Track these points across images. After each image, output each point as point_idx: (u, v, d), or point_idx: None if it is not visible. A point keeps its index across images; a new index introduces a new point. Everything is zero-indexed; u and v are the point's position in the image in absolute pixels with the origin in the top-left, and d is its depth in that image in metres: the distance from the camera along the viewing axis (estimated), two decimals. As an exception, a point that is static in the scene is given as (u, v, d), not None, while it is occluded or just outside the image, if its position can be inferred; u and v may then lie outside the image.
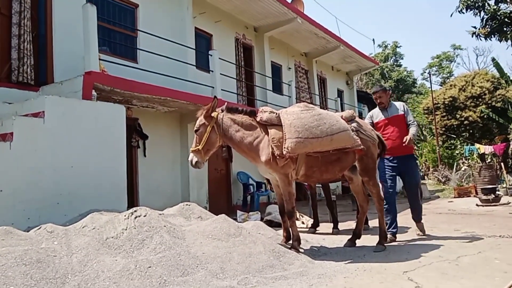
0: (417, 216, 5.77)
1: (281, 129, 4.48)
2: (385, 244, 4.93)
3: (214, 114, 4.57)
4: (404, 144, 5.39)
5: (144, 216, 4.08)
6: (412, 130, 5.57)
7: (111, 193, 5.79)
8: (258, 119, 4.63)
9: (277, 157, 4.39)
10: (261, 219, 7.23)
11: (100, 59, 7.10)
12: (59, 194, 5.18)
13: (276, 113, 4.65)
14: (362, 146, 4.73)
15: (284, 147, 4.37)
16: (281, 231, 5.17)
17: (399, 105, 5.82)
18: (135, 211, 4.15)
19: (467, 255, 4.33)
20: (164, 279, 3.31)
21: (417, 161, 5.67)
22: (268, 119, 4.58)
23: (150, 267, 3.40)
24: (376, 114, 5.88)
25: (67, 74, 7.06)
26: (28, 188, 4.90)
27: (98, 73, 6.82)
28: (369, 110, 6.13)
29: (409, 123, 5.66)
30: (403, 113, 5.71)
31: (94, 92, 6.75)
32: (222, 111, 4.65)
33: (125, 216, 4.08)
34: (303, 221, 7.19)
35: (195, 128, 4.59)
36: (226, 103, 4.83)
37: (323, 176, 4.88)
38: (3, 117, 5.48)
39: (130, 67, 8.36)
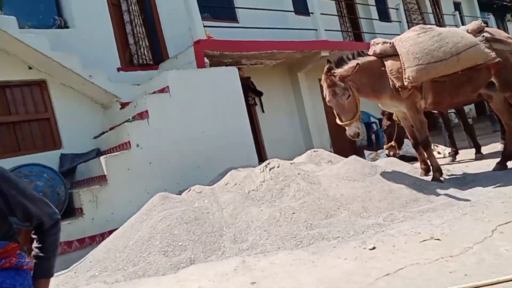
0: None
1: (398, 58, 4.16)
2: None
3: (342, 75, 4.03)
4: None
5: (278, 167, 4.22)
6: None
7: (241, 151, 6.09)
8: (371, 53, 4.34)
9: (399, 89, 4.11)
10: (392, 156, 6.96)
11: (204, 26, 7.32)
12: (197, 158, 5.61)
13: (390, 43, 4.31)
14: (498, 59, 4.15)
15: (405, 78, 4.06)
16: (417, 165, 4.94)
17: None
18: (268, 163, 4.31)
19: None
20: (310, 223, 3.42)
21: None
22: (382, 50, 4.27)
23: (294, 213, 3.54)
24: None
25: (179, 48, 7.44)
26: (171, 157, 5.40)
27: (206, 40, 7.05)
28: (495, 20, 5.09)
29: None
30: None
31: (206, 59, 7.03)
32: (329, 70, 4.11)
33: (260, 169, 4.26)
34: (439, 151, 6.73)
35: (339, 95, 4.02)
36: (327, 65, 4.17)
37: (454, 100, 4.46)
38: (136, 98, 6.05)
39: (233, 27, 8.45)
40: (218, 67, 7.10)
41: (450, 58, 3.99)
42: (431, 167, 4.42)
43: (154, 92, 6.04)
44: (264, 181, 4.10)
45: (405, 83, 4.04)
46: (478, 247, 2.53)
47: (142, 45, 7.68)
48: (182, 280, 2.86)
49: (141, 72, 7.43)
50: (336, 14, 11.38)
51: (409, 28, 4.89)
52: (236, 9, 9.17)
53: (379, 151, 7.29)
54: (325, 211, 3.60)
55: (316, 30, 9.42)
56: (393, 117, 6.23)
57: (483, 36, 4.26)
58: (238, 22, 9.09)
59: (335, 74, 4.01)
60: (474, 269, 2.24)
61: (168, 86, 5.82)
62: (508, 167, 4.58)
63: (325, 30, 9.45)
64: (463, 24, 14.23)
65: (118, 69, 7.22)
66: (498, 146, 6.12)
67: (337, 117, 4.20)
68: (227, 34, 8.06)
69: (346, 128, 4.09)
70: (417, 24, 12.45)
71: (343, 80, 4.01)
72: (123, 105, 6.30)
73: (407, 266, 2.45)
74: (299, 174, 4.14)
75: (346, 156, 4.70)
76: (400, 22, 11.94)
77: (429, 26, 4.45)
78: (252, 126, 7.20)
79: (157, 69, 7.50)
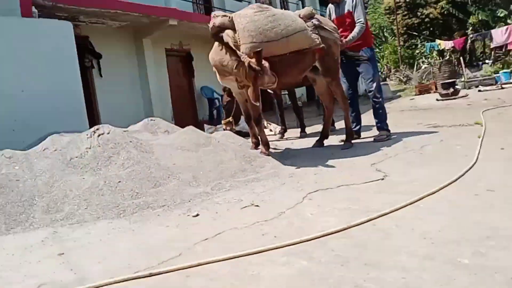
0: (377, 123, 5.31)
1: (235, 33, 4.25)
2: (352, 142, 5.05)
3: None
4: (344, 47, 5.05)
5: (108, 133, 3.92)
6: (355, 30, 5.09)
7: (69, 115, 5.49)
8: (210, 25, 4.33)
9: None
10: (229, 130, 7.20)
11: (35, -30, 6.35)
12: (13, 120, 4.87)
13: (229, 17, 4.36)
14: (322, 45, 4.59)
15: (240, 54, 4.19)
16: (250, 140, 5.18)
17: None
18: (97, 129, 3.97)
19: (430, 144, 4.50)
20: (136, 192, 3.27)
21: (370, 57, 5.40)
22: (220, 23, 4.29)
23: (120, 181, 3.34)
24: (332, 11, 5.47)
25: (-1, -10, 6.30)
26: (-22, 116, 4.57)
27: (36, -14, 6.14)
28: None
29: (356, 20, 5.15)
30: (352, 9, 5.18)
31: (34, 9, 6.11)
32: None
33: (87, 135, 3.90)
34: (271, 128, 7.22)
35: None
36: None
37: (283, 80, 4.77)
38: None
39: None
40: (48, 19, 6.26)
41: (280, 39, 4.23)
42: (260, 142, 4.68)
43: (-40, 38, 5.00)
44: (90, 148, 3.77)
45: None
46: (289, 212, 2.76)
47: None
48: (-30, 255, 2.44)
49: None
50: (188, -15, 11.16)
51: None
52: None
53: (218, 126, 7.47)
54: (154, 180, 3.49)
55: (166, -4, 9.10)
56: (234, 94, 6.41)
57: (312, 22, 4.63)
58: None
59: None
60: (284, 231, 2.42)
61: (-21, 32, 4.88)
62: (325, 145, 5.16)
63: (176, -2, 9.20)
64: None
65: None
66: (319, 128, 6.87)
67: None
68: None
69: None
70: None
71: None
72: None
73: (226, 231, 2.53)
74: (131, 142, 3.93)
75: (187, 129, 4.65)
76: (250, 2, 12.37)
77: (266, 5, 4.63)
78: (87, 90, 6.59)
79: (-32, 11, 6.22)
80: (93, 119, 7.37)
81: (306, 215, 2.68)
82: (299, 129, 6.75)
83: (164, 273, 1.99)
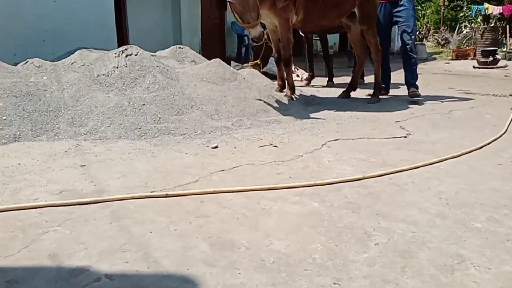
0: (409, 80, 5.03)
1: None
2: (380, 97, 4.93)
3: None
4: None
5: (136, 55, 3.91)
6: None
7: (99, 32, 5.48)
8: None
9: None
10: (256, 70, 7.08)
11: None
12: (44, 30, 4.89)
13: None
14: None
15: None
16: (276, 82, 5.10)
17: None
18: (125, 49, 3.95)
19: (459, 110, 4.37)
20: (159, 117, 3.31)
21: (413, 7, 5.10)
22: None
23: (144, 104, 3.37)
24: None
25: None
26: (10, 21, 4.57)
27: None
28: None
29: None
30: None
31: None
32: None
33: (115, 54, 3.89)
34: (298, 74, 7.07)
35: None
36: None
37: (321, 22, 4.63)
38: None
39: None
40: None
41: None
42: (286, 85, 4.61)
43: None
44: (117, 67, 3.78)
45: None
46: (307, 156, 2.77)
47: None
48: (-1, 156, 2.55)
49: None
50: None
51: None
52: None
53: (245, 65, 7.34)
54: (177, 107, 3.52)
55: None
56: (264, 35, 6.22)
57: None
58: None
59: None
60: (299, 173, 2.44)
61: None
62: (351, 97, 5.06)
63: None
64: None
65: None
66: (347, 79, 6.70)
67: (238, 18, 3.80)
68: None
69: (250, 30, 3.79)
70: None
71: None
72: None
73: (242, 165, 2.56)
74: (157, 66, 3.91)
75: (213, 63, 4.58)
76: None
77: None
78: (118, 10, 6.50)
79: None
80: (122, 40, 7.30)
81: (323, 161, 2.68)
82: (327, 78, 6.60)
83: (180, 195, 2.05)
